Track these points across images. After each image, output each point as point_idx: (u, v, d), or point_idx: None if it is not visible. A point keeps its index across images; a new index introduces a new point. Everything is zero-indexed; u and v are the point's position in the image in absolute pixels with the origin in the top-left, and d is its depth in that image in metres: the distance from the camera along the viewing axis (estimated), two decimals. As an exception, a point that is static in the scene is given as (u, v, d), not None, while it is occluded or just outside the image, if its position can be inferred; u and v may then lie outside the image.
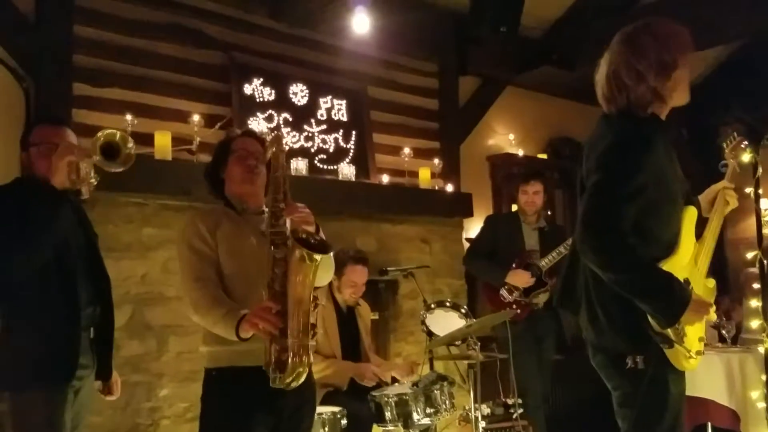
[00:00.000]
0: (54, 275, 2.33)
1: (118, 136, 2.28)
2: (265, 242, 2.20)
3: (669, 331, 2.04)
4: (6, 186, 2.46)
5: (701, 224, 2.28)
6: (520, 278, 4.19)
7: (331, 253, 2.37)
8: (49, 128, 2.47)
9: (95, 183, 2.39)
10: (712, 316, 2.21)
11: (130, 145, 2.30)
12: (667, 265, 2.08)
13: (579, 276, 2.23)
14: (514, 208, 4.63)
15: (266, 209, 2.33)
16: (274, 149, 2.31)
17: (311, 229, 2.22)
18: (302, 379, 2.12)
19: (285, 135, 4.45)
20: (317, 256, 2.08)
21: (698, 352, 2.14)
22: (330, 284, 3.82)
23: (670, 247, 2.14)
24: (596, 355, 2.22)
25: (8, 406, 2.25)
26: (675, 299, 2.02)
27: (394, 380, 3.82)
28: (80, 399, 2.43)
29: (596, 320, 2.17)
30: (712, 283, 2.27)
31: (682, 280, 2.10)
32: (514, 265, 4.23)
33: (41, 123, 2.54)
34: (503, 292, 4.24)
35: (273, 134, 2.39)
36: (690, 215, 2.22)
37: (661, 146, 2.11)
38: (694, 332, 2.12)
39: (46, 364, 2.29)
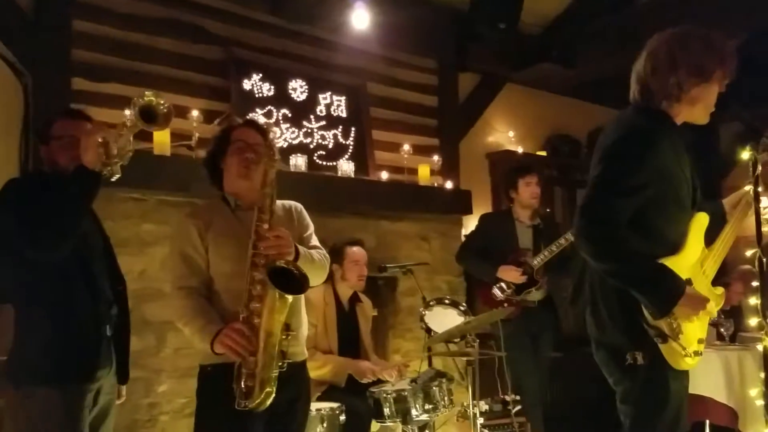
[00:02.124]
0: (77, 274, 2.32)
1: (153, 98, 2.24)
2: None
3: (663, 324, 2.05)
4: (30, 175, 2.41)
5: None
6: (510, 274, 4.18)
7: (323, 262, 2.42)
8: (70, 121, 2.44)
9: (131, 154, 2.34)
10: (713, 312, 2.21)
11: (163, 101, 2.26)
12: (667, 264, 2.08)
13: (587, 273, 2.24)
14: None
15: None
16: (265, 163, 2.31)
17: (290, 255, 2.24)
18: (269, 401, 2.17)
19: (280, 134, 4.43)
20: (289, 297, 2.15)
21: (696, 353, 2.13)
22: (332, 278, 3.83)
23: (674, 247, 2.14)
24: (598, 350, 2.24)
25: (21, 402, 2.24)
26: (667, 289, 2.03)
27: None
28: (101, 400, 2.41)
29: (599, 316, 2.19)
30: (720, 290, 2.27)
31: (684, 281, 2.09)
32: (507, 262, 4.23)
33: (62, 116, 2.50)
34: (495, 290, 4.24)
35: (266, 144, 2.37)
36: (699, 221, 2.22)
37: (668, 146, 2.11)
38: (692, 331, 2.12)
39: (69, 363, 2.27)
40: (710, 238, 2.26)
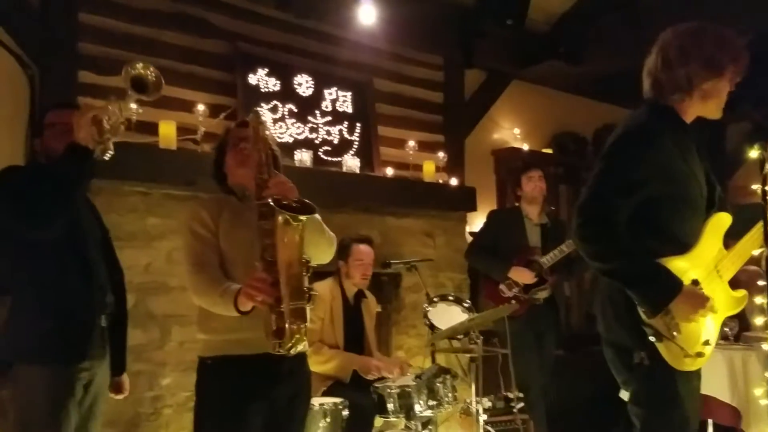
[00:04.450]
0: (70, 257, 2.35)
1: (141, 66, 2.27)
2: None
3: (659, 323, 2.03)
4: (26, 166, 2.51)
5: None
6: (523, 275, 4.18)
7: (318, 216, 2.32)
8: (62, 110, 2.47)
9: (124, 126, 2.38)
10: (724, 313, 2.18)
11: (152, 69, 2.29)
12: (674, 262, 2.06)
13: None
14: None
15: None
16: (253, 125, 2.29)
17: (291, 191, 2.19)
18: (301, 346, 2.10)
19: (286, 129, 4.43)
20: (302, 217, 2.08)
21: (699, 353, 2.10)
22: (338, 273, 3.84)
23: (684, 246, 2.12)
24: (606, 349, 2.23)
25: (13, 383, 2.27)
26: (659, 287, 2.01)
27: None
28: (93, 390, 2.44)
29: (606, 316, 2.18)
30: (741, 293, 2.24)
31: (690, 281, 2.08)
32: (515, 262, 4.22)
33: (54, 107, 2.53)
34: (503, 287, 4.23)
35: (251, 113, 2.38)
36: (717, 221, 2.20)
37: (671, 143, 2.09)
38: (695, 331, 2.09)
39: (57, 342, 2.29)
40: (727, 241, 2.24)
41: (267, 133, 2.32)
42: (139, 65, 2.25)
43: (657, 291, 2.01)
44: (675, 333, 2.04)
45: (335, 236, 2.48)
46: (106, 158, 2.36)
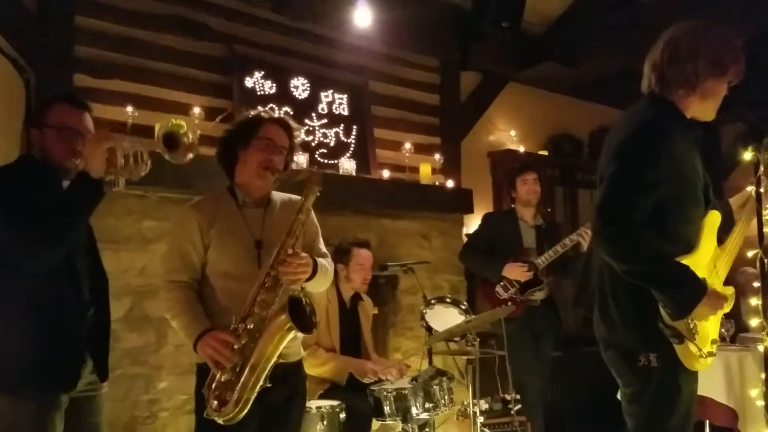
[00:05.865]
0: (63, 273, 2.16)
1: (184, 125, 2.13)
2: (257, 248, 2.29)
3: (680, 324, 2.03)
4: (21, 165, 2.24)
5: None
6: (516, 271, 4.18)
7: (331, 271, 2.46)
8: (70, 110, 2.25)
9: (144, 173, 2.20)
10: (727, 309, 2.20)
11: (191, 135, 2.13)
12: (683, 263, 2.06)
13: (593, 274, 2.22)
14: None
15: (274, 199, 2.40)
16: (307, 187, 2.31)
17: (305, 276, 2.26)
18: (240, 417, 2.14)
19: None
20: (299, 335, 2.18)
21: (710, 353, 2.11)
22: (336, 276, 3.83)
23: (689, 246, 2.12)
24: (607, 351, 2.21)
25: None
26: (689, 289, 2.00)
27: None
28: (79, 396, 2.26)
29: (609, 316, 2.15)
30: (730, 290, 2.25)
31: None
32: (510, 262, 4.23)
33: (62, 101, 2.28)
34: (499, 288, 4.23)
35: (314, 170, 2.37)
36: (711, 219, 2.20)
37: (681, 140, 2.09)
38: (707, 331, 2.10)
39: (47, 372, 2.11)
40: (720, 237, 2.24)
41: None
42: (183, 123, 2.13)
43: (686, 293, 2.00)
44: (695, 334, 2.05)
45: (332, 263, 2.53)
46: (114, 190, 2.18)
